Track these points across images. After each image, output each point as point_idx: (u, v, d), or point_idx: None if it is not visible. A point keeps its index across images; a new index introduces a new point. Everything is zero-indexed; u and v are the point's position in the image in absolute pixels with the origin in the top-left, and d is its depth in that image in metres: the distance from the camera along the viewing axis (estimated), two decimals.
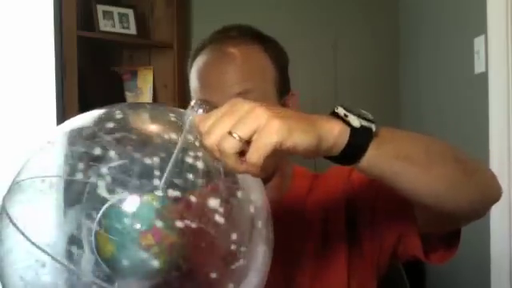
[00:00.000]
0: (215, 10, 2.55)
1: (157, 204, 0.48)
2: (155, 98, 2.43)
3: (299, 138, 0.52)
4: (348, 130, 0.56)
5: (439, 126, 2.26)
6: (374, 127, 0.58)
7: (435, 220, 0.75)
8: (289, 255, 0.83)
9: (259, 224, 0.54)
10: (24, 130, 1.84)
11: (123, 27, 2.31)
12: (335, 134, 0.55)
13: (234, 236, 0.50)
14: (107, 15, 2.27)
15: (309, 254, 0.84)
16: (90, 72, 2.25)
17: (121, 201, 0.48)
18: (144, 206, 0.48)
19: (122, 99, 2.38)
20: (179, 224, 0.49)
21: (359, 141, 0.56)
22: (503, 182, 1.72)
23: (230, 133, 0.50)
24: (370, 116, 0.59)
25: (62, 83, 2.05)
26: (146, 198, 0.49)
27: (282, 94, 0.85)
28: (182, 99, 2.42)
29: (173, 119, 0.54)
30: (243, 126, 0.50)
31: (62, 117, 2.03)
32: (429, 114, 2.38)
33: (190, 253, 0.50)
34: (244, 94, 0.78)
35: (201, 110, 0.54)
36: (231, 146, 0.50)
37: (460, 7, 2.02)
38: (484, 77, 1.79)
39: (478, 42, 1.83)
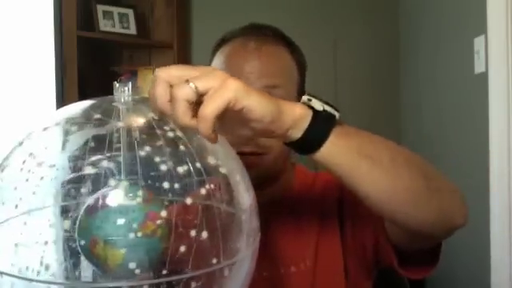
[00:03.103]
0: (215, 10, 2.55)
1: (137, 192, 0.48)
2: None
3: (256, 101, 0.50)
4: (310, 113, 0.55)
5: (439, 126, 2.26)
6: (337, 115, 0.57)
7: (401, 234, 0.73)
8: (289, 253, 0.84)
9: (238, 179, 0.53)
10: (24, 130, 1.84)
11: (123, 27, 2.31)
12: (296, 113, 0.54)
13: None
14: (107, 15, 2.27)
15: (308, 250, 0.85)
16: (90, 72, 2.25)
17: (104, 202, 0.47)
18: (128, 197, 0.48)
19: None
20: (165, 201, 0.48)
21: (320, 126, 0.55)
22: (503, 182, 1.72)
23: (187, 81, 0.48)
24: (335, 106, 0.57)
25: (62, 83, 2.05)
26: (124, 189, 0.48)
27: (300, 97, 0.86)
28: None
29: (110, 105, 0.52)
30: (203, 79, 0.48)
31: None
32: (429, 114, 2.38)
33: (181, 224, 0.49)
34: (271, 89, 0.78)
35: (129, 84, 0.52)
36: (185, 92, 0.48)
37: (460, 7, 2.02)
38: (484, 77, 1.79)
39: (478, 42, 1.83)
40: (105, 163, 0.48)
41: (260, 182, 0.80)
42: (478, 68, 1.84)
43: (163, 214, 0.48)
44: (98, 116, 0.50)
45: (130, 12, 2.34)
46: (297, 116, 0.54)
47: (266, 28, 0.87)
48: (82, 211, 0.47)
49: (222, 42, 0.86)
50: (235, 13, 2.49)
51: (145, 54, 2.47)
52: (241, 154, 0.78)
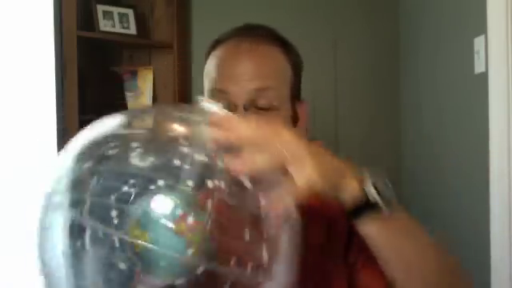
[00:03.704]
0: (215, 10, 2.55)
1: (181, 194, 0.50)
2: (155, 98, 2.43)
3: (322, 188, 0.56)
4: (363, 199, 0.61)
5: (439, 126, 2.26)
6: (385, 209, 0.61)
7: None
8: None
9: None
10: (24, 130, 1.84)
11: (123, 27, 2.31)
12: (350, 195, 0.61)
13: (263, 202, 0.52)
14: (107, 15, 2.27)
15: (312, 259, 0.83)
16: (90, 72, 2.25)
17: (147, 201, 0.49)
18: (171, 198, 0.49)
19: (122, 99, 2.39)
20: (208, 206, 0.50)
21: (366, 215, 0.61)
22: (503, 182, 1.72)
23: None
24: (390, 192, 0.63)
25: (62, 83, 2.05)
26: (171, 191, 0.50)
27: (294, 99, 0.86)
28: (182, 99, 2.43)
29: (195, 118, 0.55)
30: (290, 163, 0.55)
31: (61, 117, 2.03)
32: (429, 113, 2.38)
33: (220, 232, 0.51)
34: (262, 91, 0.78)
35: (215, 106, 0.56)
36: (262, 162, 0.53)
37: (460, 7, 2.02)
38: (484, 77, 1.79)
39: (478, 42, 1.83)
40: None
41: None
42: (478, 68, 1.84)
43: (201, 222, 0.49)
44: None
45: (130, 12, 2.34)
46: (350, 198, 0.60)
47: (260, 28, 0.86)
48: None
49: (216, 44, 0.86)
50: (235, 13, 2.49)
51: (145, 54, 2.48)
52: None
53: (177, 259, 0.49)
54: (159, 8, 2.44)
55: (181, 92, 2.41)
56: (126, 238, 0.48)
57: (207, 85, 0.84)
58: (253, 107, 0.79)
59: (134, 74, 2.42)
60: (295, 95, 0.86)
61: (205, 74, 0.85)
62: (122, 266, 0.49)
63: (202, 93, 0.88)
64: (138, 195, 0.49)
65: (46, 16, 1.95)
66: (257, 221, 0.51)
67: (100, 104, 2.27)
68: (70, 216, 0.51)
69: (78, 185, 0.51)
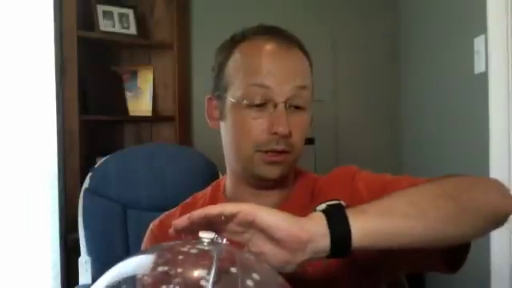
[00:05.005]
0: (215, 11, 2.55)
1: None
2: (155, 98, 2.43)
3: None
4: (320, 213, 0.61)
5: (439, 126, 2.26)
6: (342, 203, 0.62)
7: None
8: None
9: None
10: (24, 130, 1.84)
11: (123, 27, 2.31)
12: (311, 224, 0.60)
13: None
14: (107, 15, 2.27)
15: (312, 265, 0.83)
16: (90, 72, 2.25)
17: None
18: None
19: (122, 99, 2.39)
20: None
21: (336, 215, 0.60)
22: (503, 182, 1.71)
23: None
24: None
25: (62, 83, 2.05)
26: None
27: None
28: (182, 99, 2.43)
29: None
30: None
31: (62, 117, 2.03)
32: (429, 113, 2.38)
33: None
34: (300, 89, 0.80)
35: (224, 241, 0.57)
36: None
37: (460, 7, 2.02)
38: (484, 77, 1.79)
39: (478, 42, 1.83)
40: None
41: (280, 179, 0.83)
42: (478, 68, 1.84)
43: None
44: None
45: (130, 12, 2.34)
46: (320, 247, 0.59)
47: (286, 31, 0.87)
48: None
49: (242, 39, 0.85)
50: (235, 13, 2.50)
51: (145, 53, 2.47)
52: (268, 152, 0.79)
53: None
54: (159, 8, 2.44)
55: (181, 92, 2.41)
56: None
57: (241, 79, 0.81)
58: (292, 106, 0.80)
59: (134, 74, 2.42)
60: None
61: (233, 68, 0.83)
62: None
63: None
64: None
65: (46, 16, 1.96)
66: None
67: (100, 104, 2.27)
68: None
69: None
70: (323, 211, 0.61)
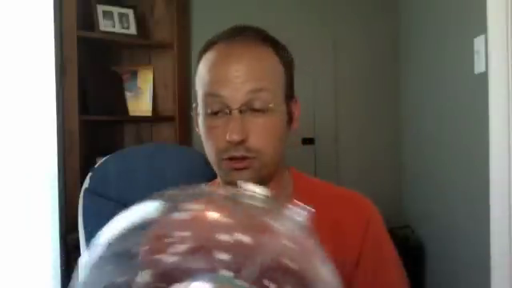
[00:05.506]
0: (215, 10, 2.55)
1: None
2: (155, 98, 2.43)
3: None
4: None
5: (439, 126, 2.26)
6: None
7: None
8: None
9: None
10: (24, 130, 1.84)
11: (123, 27, 2.31)
12: None
13: None
14: (107, 15, 2.27)
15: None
16: (90, 72, 2.25)
17: None
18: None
19: (122, 99, 2.39)
20: None
21: None
22: (503, 182, 1.71)
23: None
24: None
25: (62, 83, 2.05)
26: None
27: (287, 98, 0.86)
28: (182, 99, 2.43)
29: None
30: None
31: (62, 117, 2.03)
32: (429, 113, 2.38)
33: None
34: (256, 93, 0.79)
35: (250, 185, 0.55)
36: None
37: (460, 7, 2.02)
38: (484, 77, 1.79)
39: (478, 42, 1.83)
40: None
41: (256, 183, 0.81)
42: (478, 68, 1.84)
43: None
44: None
45: (130, 12, 2.34)
46: None
47: (249, 29, 0.86)
48: None
49: (207, 47, 0.86)
50: (235, 13, 2.50)
51: (145, 53, 2.48)
52: (231, 159, 0.79)
53: None
54: (159, 8, 2.44)
55: (181, 92, 2.41)
56: None
57: (200, 89, 0.84)
58: (249, 110, 0.79)
59: (134, 74, 2.42)
60: (289, 95, 0.86)
61: (197, 78, 0.86)
62: None
63: (194, 95, 0.88)
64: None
65: (46, 16, 1.96)
66: None
67: (100, 104, 2.27)
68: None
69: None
70: None
